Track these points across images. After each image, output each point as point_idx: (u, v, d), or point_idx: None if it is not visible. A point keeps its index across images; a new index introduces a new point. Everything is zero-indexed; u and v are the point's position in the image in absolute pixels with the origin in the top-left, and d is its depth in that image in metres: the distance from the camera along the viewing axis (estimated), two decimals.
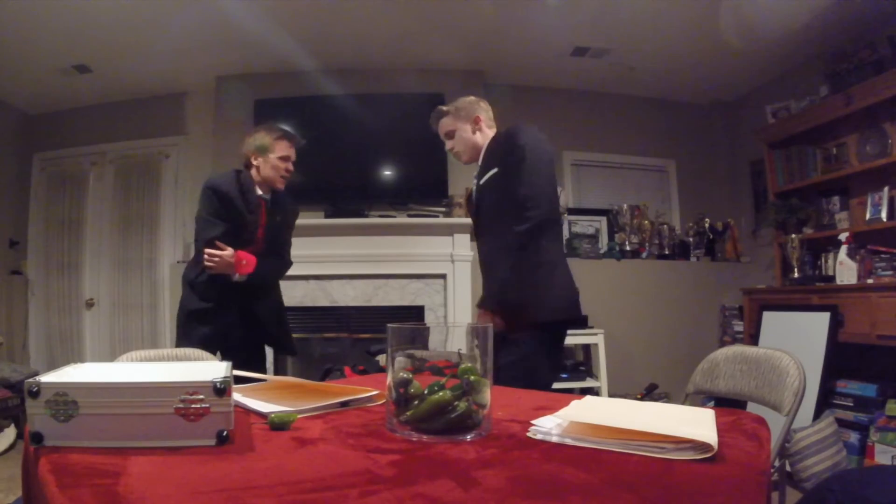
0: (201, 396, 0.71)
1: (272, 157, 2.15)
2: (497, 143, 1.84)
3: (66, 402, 0.69)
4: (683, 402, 1.39)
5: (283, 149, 2.17)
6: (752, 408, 1.30)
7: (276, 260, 2.28)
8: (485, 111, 1.92)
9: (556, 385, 3.36)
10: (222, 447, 0.71)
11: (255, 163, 2.18)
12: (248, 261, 2.09)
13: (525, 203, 1.63)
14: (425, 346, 0.80)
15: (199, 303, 2.14)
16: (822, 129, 3.48)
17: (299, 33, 3.43)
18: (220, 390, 0.72)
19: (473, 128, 1.90)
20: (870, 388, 2.82)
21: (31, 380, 0.69)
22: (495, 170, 1.76)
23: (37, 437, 0.68)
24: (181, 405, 0.71)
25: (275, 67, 3.83)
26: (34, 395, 0.68)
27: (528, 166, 1.65)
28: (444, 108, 1.93)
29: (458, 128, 1.91)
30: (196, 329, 2.12)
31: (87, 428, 0.69)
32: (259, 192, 2.18)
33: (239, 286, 2.12)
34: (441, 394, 0.74)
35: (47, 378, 0.71)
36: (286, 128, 2.26)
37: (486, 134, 1.91)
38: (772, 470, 0.81)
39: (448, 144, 1.94)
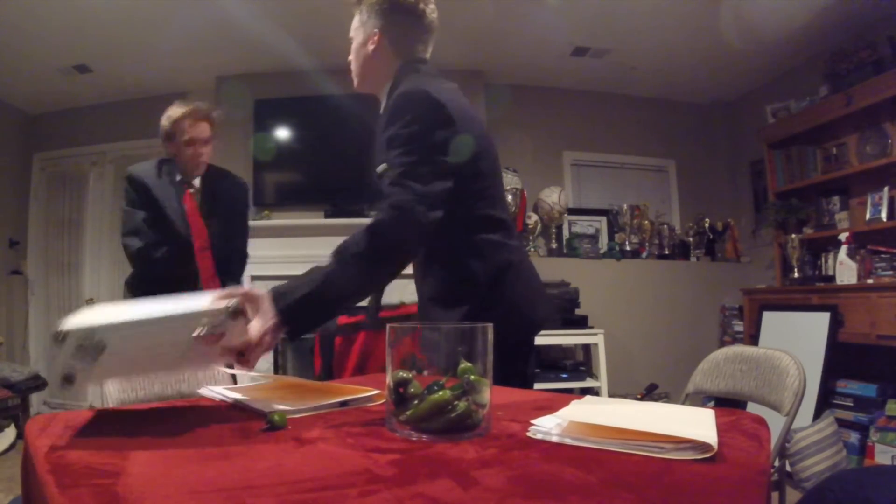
0: (217, 323, 0.78)
1: (177, 143, 1.92)
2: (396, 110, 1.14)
3: (93, 343, 0.71)
4: (683, 402, 1.38)
5: (186, 132, 1.90)
6: (752, 408, 1.29)
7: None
8: (398, 26, 1.24)
9: (556, 385, 3.39)
10: (219, 449, 0.71)
11: (167, 149, 1.95)
12: None
13: None
14: (425, 346, 0.80)
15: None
16: (822, 129, 3.48)
17: (299, 33, 3.43)
18: (235, 312, 0.78)
19: (370, 44, 1.25)
20: (870, 388, 2.82)
21: (57, 328, 0.72)
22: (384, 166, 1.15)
23: (68, 379, 0.71)
24: (201, 333, 0.76)
25: (275, 67, 3.83)
26: (61, 341, 0.70)
27: None
28: None
29: (355, 34, 1.29)
30: None
31: (113, 365, 0.74)
32: (180, 178, 1.95)
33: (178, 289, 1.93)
34: (441, 393, 0.74)
35: (72, 324, 0.73)
36: (197, 103, 1.95)
37: (388, 63, 1.27)
38: (772, 470, 0.81)
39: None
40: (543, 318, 1.34)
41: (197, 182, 1.96)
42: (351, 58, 1.31)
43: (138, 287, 1.93)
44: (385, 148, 1.13)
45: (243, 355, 0.85)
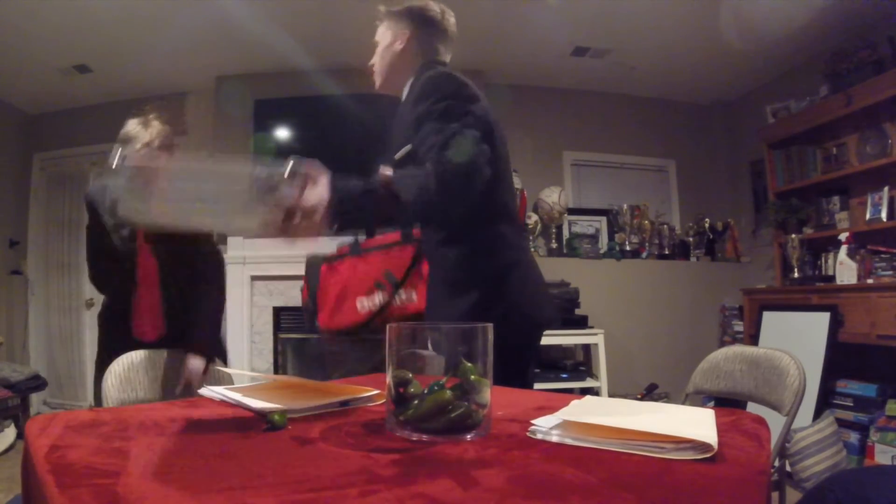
0: (274, 180, 0.83)
1: None
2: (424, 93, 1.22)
3: (144, 179, 0.76)
4: (683, 402, 1.38)
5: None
6: (752, 408, 1.29)
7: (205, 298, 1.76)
8: (425, 30, 1.38)
9: (556, 385, 3.39)
10: (219, 449, 0.71)
11: None
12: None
13: None
14: (425, 346, 0.80)
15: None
16: (822, 129, 3.48)
17: (299, 33, 3.43)
18: (293, 173, 0.83)
19: (398, 43, 1.38)
20: (870, 388, 2.82)
21: (112, 159, 0.79)
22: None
23: (114, 206, 0.79)
24: (258, 185, 0.81)
25: (275, 67, 3.83)
26: (115, 172, 0.79)
27: None
28: (381, 7, 1.43)
29: (381, 37, 1.41)
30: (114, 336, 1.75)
31: (164, 206, 0.79)
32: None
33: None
34: (441, 393, 0.74)
35: (129, 157, 0.80)
36: (155, 129, 1.60)
37: (412, 61, 1.38)
38: (772, 470, 0.81)
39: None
40: (548, 319, 1.36)
41: None
42: (375, 59, 1.40)
43: (108, 318, 1.78)
44: (416, 126, 1.17)
45: (291, 222, 0.86)
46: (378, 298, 1.30)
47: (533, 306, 1.32)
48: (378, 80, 1.41)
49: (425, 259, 1.33)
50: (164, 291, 1.73)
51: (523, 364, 1.33)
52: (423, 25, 1.37)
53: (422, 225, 1.46)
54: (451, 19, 1.41)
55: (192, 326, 1.72)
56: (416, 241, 1.31)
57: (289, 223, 0.86)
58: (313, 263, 1.52)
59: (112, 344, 1.64)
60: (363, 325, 1.35)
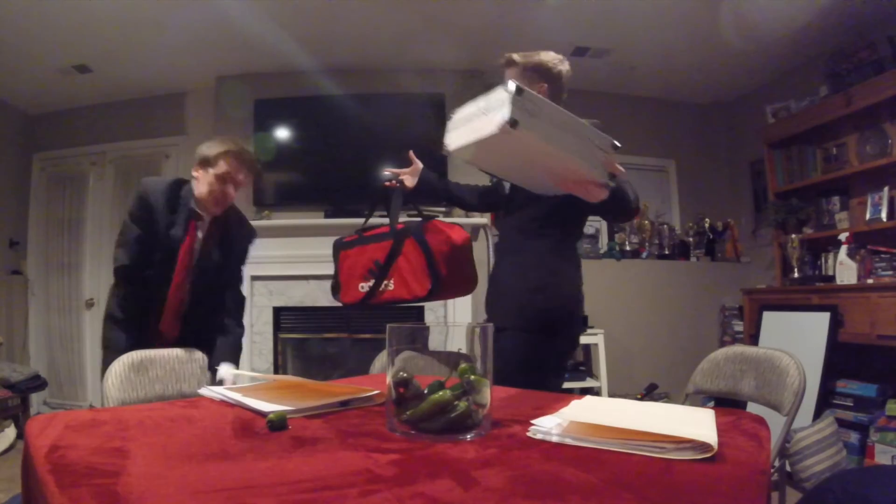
0: (604, 146, 1.12)
1: (210, 173, 1.76)
2: None
3: (534, 106, 1.01)
4: (683, 402, 1.39)
5: (225, 166, 1.76)
6: (752, 408, 1.30)
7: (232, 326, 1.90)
8: (554, 84, 1.67)
9: None
10: (219, 449, 0.71)
11: (195, 174, 1.79)
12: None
13: None
14: (425, 346, 0.80)
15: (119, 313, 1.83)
16: (822, 129, 3.48)
17: (299, 33, 3.43)
18: (615, 146, 1.13)
19: (538, 92, 1.71)
20: (870, 388, 2.82)
21: (511, 87, 0.98)
22: None
23: (513, 122, 0.95)
24: (595, 145, 1.11)
25: (275, 67, 3.83)
26: (516, 93, 0.98)
27: None
28: (515, 56, 1.67)
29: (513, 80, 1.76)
30: (117, 334, 1.79)
31: (545, 128, 1.04)
32: (195, 208, 1.77)
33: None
34: (441, 393, 0.74)
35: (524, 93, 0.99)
36: (244, 148, 1.85)
37: None
38: (772, 470, 0.81)
39: None
40: (581, 329, 1.71)
41: (206, 216, 1.82)
42: None
43: (121, 306, 1.83)
44: None
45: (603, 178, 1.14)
46: (371, 282, 1.52)
47: (579, 311, 1.59)
48: None
49: (401, 252, 1.54)
50: (194, 290, 1.83)
51: (554, 361, 1.61)
52: (553, 79, 1.66)
53: (500, 216, 1.80)
54: (567, 65, 1.71)
55: (224, 332, 1.84)
56: (395, 234, 1.52)
57: (593, 182, 1.14)
58: (336, 248, 1.73)
59: (135, 344, 1.66)
60: (360, 303, 1.57)
